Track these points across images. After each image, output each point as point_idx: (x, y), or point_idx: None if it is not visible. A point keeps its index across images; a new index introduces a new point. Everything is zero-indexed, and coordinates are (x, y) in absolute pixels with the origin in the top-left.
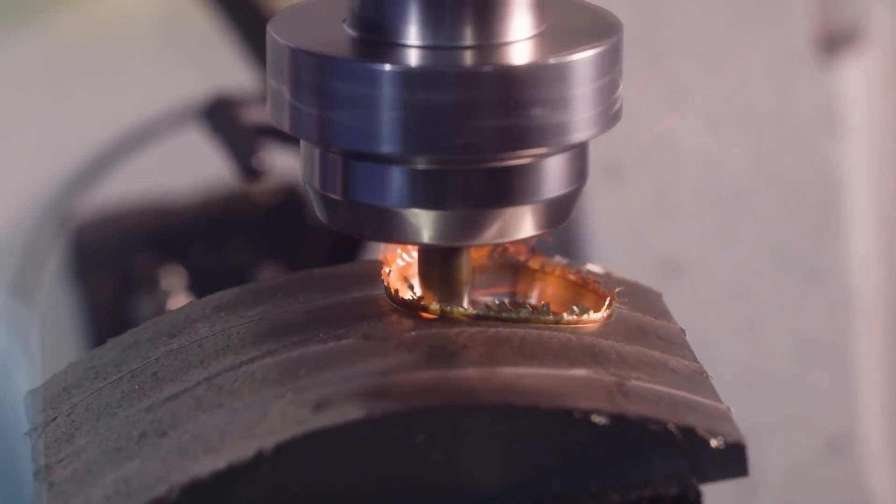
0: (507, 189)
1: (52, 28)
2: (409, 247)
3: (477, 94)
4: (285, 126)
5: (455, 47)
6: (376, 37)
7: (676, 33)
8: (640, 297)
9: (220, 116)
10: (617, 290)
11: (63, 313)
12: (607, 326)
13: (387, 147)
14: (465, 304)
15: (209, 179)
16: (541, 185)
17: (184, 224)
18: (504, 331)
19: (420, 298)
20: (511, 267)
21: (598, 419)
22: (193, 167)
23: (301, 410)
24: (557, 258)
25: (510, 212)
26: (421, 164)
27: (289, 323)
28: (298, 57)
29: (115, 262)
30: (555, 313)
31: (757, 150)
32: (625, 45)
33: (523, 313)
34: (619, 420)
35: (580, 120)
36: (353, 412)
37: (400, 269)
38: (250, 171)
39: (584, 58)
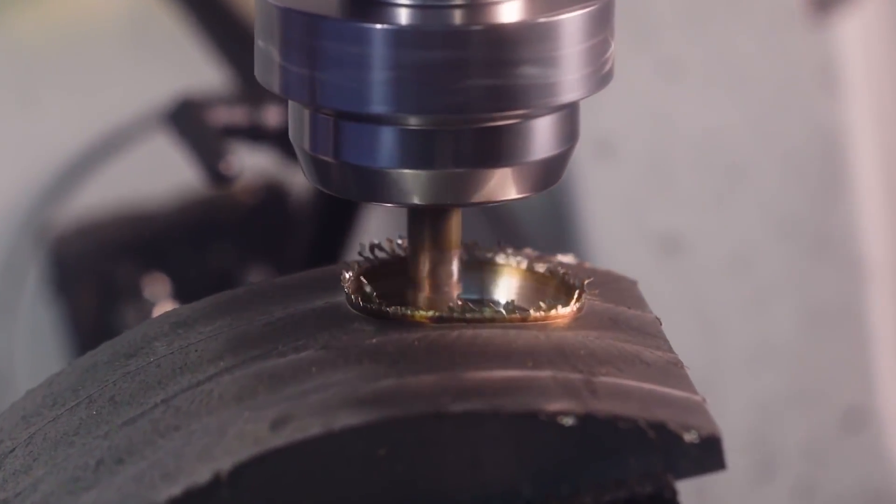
0: (496, 149)
1: (13, 33)
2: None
3: (466, 53)
4: (275, 87)
5: (445, 6)
6: None
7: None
8: (613, 287)
9: (186, 120)
10: (587, 281)
11: (46, 329)
12: (578, 320)
13: (377, 107)
14: (454, 270)
15: (187, 182)
16: (531, 145)
17: (164, 230)
18: (468, 332)
19: (381, 304)
20: (477, 263)
21: (566, 420)
22: (170, 170)
23: (258, 429)
24: (527, 251)
25: (500, 172)
26: (411, 124)
27: (248, 337)
28: (288, 17)
29: (96, 273)
30: (521, 310)
31: (753, 117)
32: (616, 5)
33: (488, 313)
34: (587, 420)
35: (570, 80)
36: (311, 428)
37: (362, 272)
38: (218, 175)
39: (574, 17)
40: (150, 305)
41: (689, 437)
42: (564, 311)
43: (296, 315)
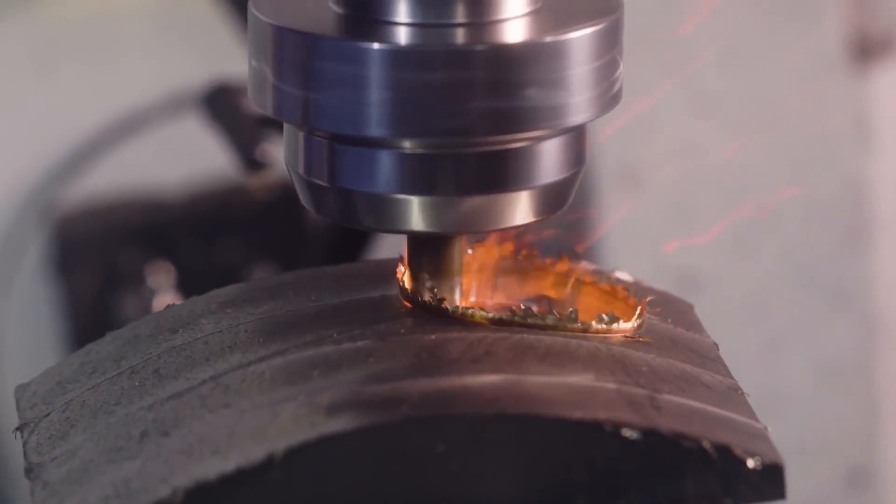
0: (500, 174)
1: (39, 10)
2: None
3: (469, 74)
4: (268, 109)
5: (446, 25)
6: (364, 14)
7: (702, 36)
8: (671, 308)
9: (222, 104)
10: (647, 299)
11: (41, 308)
12: (638, 337)
13: (375, 130)
14: (457, 298)
15: (202, 172)
16: (536, 170)
17: (174, 219)
18: (529, 337)
19: (441, 300)
20: (536, 270)
21: (629, 433)
22: (185, 159)
23: (313, 413)
24: (584, 263)
25: (504, 198)
26: (410, 148)
27: (300, 322)
28: (282, 35)
29: (100, 257)
30: (583, 321)
31: (783, 161)
32: (625, 26)
33: (550, 320)
34: (650, 435)
35: (578, 101)
36: (368, 417)
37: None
38: (253, 162)
39: (581, 36)
40: (152, 294)
41: (753, 462)
42: (625, 327)
43: (351, 304)
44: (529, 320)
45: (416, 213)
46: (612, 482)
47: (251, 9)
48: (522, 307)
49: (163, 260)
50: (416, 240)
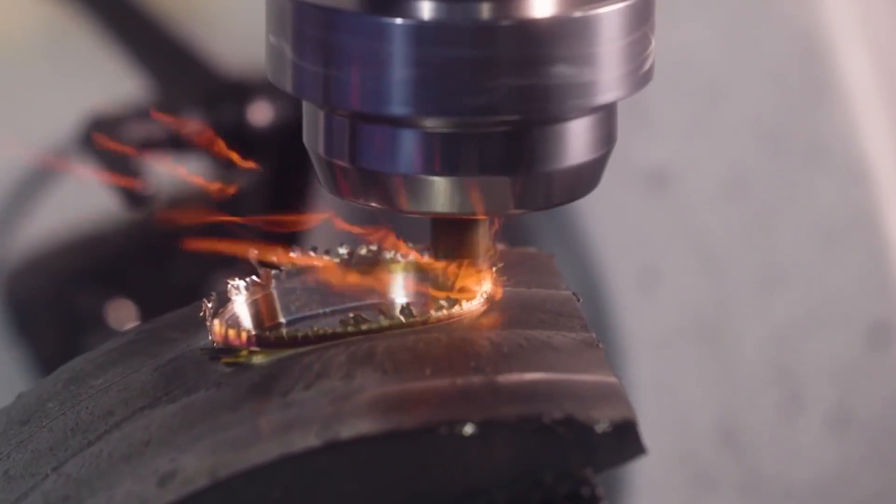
0: (527, 154)
1: None
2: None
3: (495, 51)
4: (287, 87)
5: None
6: None
7: None
8: (528, 266)
9: (97, 140)
10: (496, 267)
11: (9, 374)
12: (485, 314)
13: (397, 108)
14: (484, 283)
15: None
16: (564, 150)
17: (120, 251)
18: (364, 346)
19: (263, 331)
20: (366, 267)
21: (467, 429)
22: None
23: (146, 487)
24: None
25: (530, 180)
26: (434, 127)
27: (138, 385)
28: (302, 11)
29: (55, 307)
30: (421, 313)
31: (725, 30)
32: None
33: (384, 321)
34: (488, 426)
35: (608, 79)
36: (199, 480)
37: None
38: (133, 196)
39: (612, 11)
40: (117, 333)
41: (601, 427)
42: (469, 307)
43: (187, 354)
44: (363, 327)
45: (439, 195)
46: (463, 484)
47: None
48: (351, 316)
49: (119, 296)
50: (439, 222)
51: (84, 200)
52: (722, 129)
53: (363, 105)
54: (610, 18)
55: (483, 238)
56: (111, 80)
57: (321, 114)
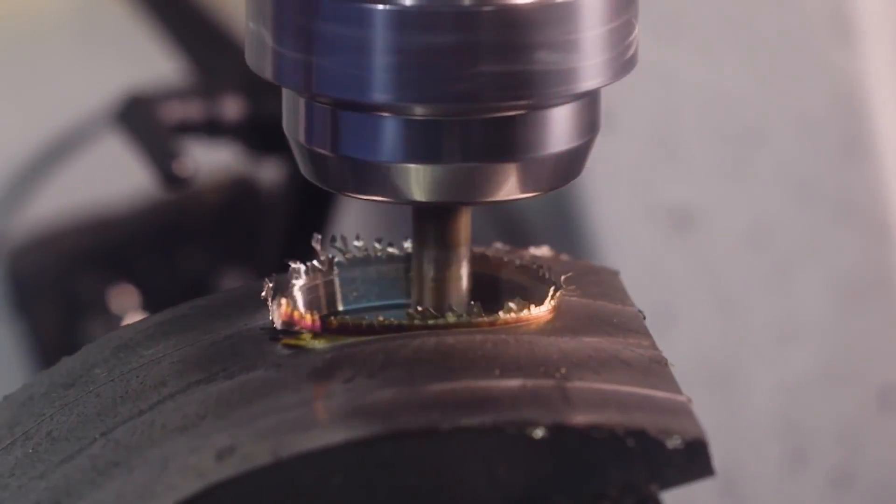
0: (509, 142)
1: None
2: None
3: (476, 37)
4: (267, 74)
5: None
6: None
7: None
8: (593, 280)
9: (135, 118)
10: (564, 276)
11: (7, 350)
12: (552, 320)
13: (379, 95)
14: (464, 271)
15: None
16: (547, 137)
17: (127, 236)
18: (430, 341)
19: (328, 315)
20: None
21: (536, 432)
22: (129, 171)
23: (202, 460)
24: (497, 245)
25: (513, 167)
26: (416, 114)
27: (193, 358)
28: None
29: (57, 288)
30: (489, 313)
31: (763, 75)
32: None
33: (451, 318)
34: (559, 431)
35: (591, 65)
36: (259, 457)
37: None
38: (171, 177)
39: None
40: (118, 319)
41: (672, 443)
42: (537, 312)
43: (244, 332)
44: (429, 321)
45: (421, 183)
46: (527, 487)
47: None
48: (419, 309)
49: (123, 281)
50: (421, 211)
51: (98, 181)
52: (752, 174)
53: (344, 92)
54: (593, 4)
55: (466, 227)
56: (146, 60)
57: (301, 101)
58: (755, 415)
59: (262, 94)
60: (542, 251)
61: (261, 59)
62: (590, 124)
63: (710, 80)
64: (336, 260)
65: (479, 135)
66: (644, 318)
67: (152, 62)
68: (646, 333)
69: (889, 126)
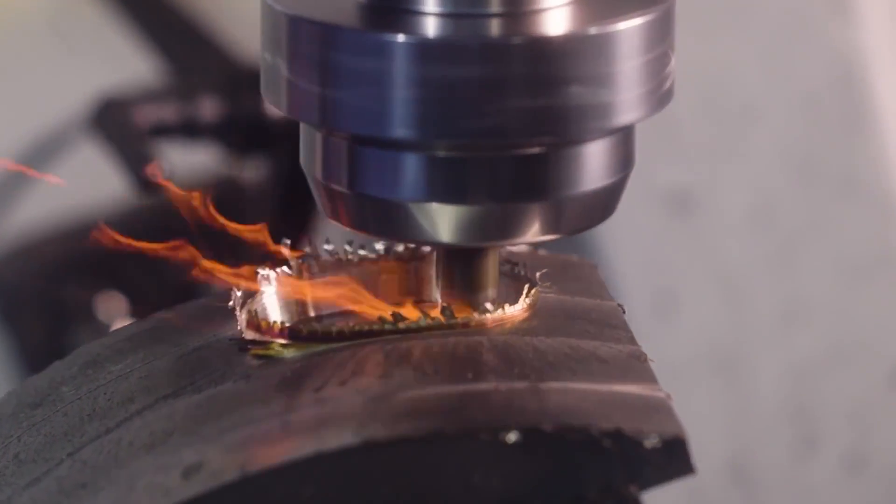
0: (539, 180)
1: None
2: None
3: (505, 70)
4: (282, 107)
5: (479, 15)
6: (388, 3)
7: None
8: (571, 275)
9: (109, 123)
10: (539, 273)
11: None
12: (528, 319)
13: (400, 131)
14: (489, 314)
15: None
16: (579, 175)
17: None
18: (402, 346)
19: (298, 322)
20: (408, 266)
21: (510, 437)
22: (112, 174)
23: (170, 478)
24: None
25: (543, 207)
26: (439, 151)
27: (161, 372)
28: (298, 26)
29: (43, 296)
30: (462, 315)
31: (761, 52)
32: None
33: (423, 321)
34: (533, 434)
35: (625, 100)
36: (227, 473)
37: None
38: (145, 182)
39: (629, 27)
40: (106, 327)
41: (650, 442)
42: (512, 311)
43: (213, 343)
44: (401, 325)
45: (445, 224)
46: (504, 493)
47: None
48: (392, 313)
49: (110, 288)
50: (445, 252)
51: (81, 187)
52: (751, 153)
53: (363, 127)
54: (628, 35)
55: (493, 269)
56: (123, 62)
57: (318, 136)
58: (764, 400)
59: (240, 94)
60: (520, 247)
61: (275, 92)
62: (624, 161)
63: (706, 58)
64: (307, 265)
65: (507, 173)
66: (624, 311)
67: (128, 63)
68: (625, 328)
69: (891, 99)
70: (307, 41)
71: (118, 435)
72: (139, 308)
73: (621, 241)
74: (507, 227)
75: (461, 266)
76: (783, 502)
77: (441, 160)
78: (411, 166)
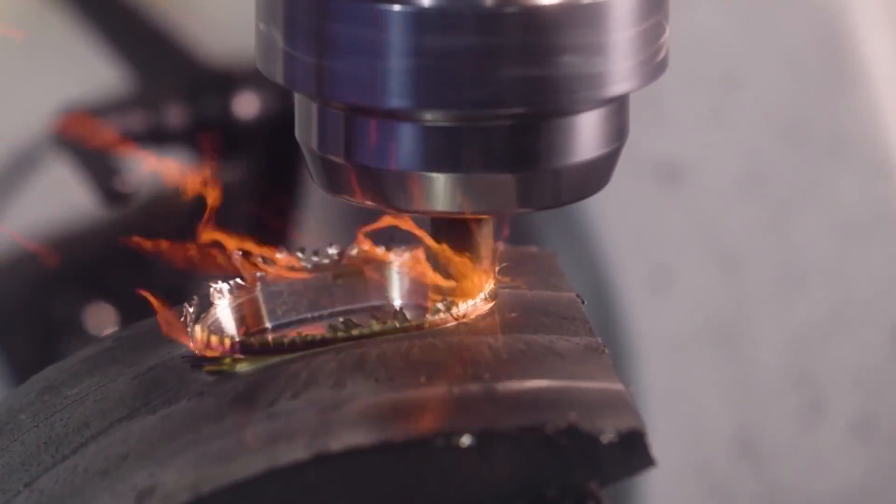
0: (533, 150)
1: None
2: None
3: (499, 39)
4: (278, 77)
5: None
6: None
7: None
8: (530, 267)
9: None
10: (497, 267)
11: None
12: (484, 317)
13: (395, 101)
14: (486, 282)
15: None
16: (573, 145)
17: (99, 251)
18: (355, 353)
19: (248, 336)
20: (366, 266)
21: (464, 441)
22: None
23: None
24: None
25: (537, 176)
26: (434, 121)
27: (115, 395)
28: None
29: (31, 311)
30: (415, 318)
31: (742, 12)
32: None
33: (375, 327)
34: (487, 437)
35: (619, 70)
36: (179, 495)
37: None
38: (113, 193)
39: None
40: (95, 339)
41: (607, 437)
42: (468, 311)
43: (167, 361)
44: (353, 332)
45: (441, 193)
46: (460, 501)
47: None
48: (342, 321)
49: (98, 299)
50: (440, 221)
51: (61, 199)
52: (738, 120)
53: (359, 97)
54: (622, 5)
55: (488, 238)
56: (88, 70)
57: (314, 106)
58: (766, 370)
59: (206, 98)
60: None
61: (271, 62)
62: (618, 131)
63: (688, 24)
64: (258, 275)
65: (503, 142)
66: (583, 302)
67: (93, 71)
68: (583, 319)
69: (879, 53)
70: (303, 11)
71: (74, 462)
72: (128, 318)
73: (612, 218)
74: (502, 197)
75: (456, 236)
76: (792, 472)
77: (436, 130)
78: (407, 136)
